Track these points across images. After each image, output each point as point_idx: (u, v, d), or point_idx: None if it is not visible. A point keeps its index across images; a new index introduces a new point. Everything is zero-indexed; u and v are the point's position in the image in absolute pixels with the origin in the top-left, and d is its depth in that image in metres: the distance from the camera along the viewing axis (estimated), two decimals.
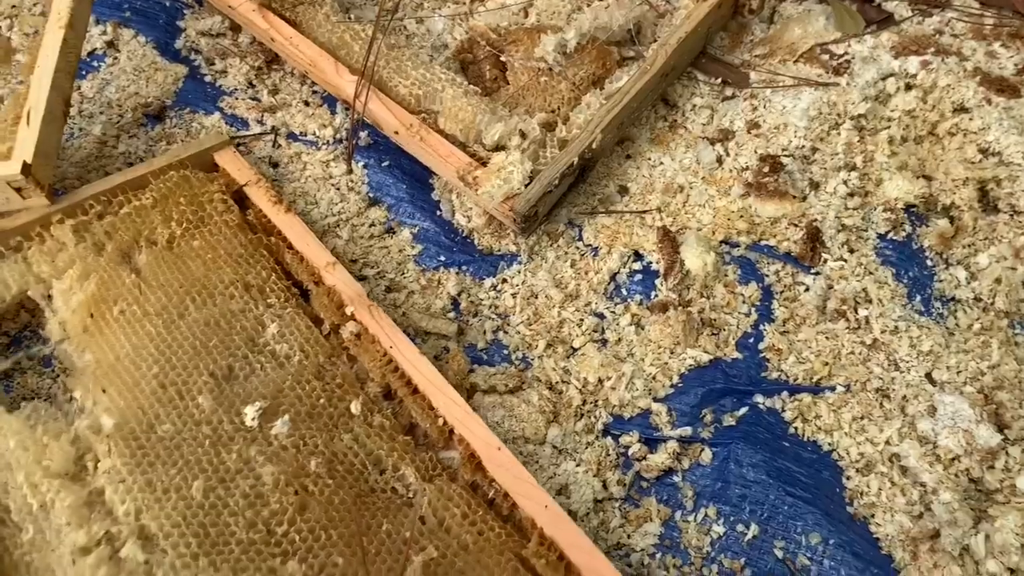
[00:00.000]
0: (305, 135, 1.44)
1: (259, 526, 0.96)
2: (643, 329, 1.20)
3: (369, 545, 0.96)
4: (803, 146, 1.33)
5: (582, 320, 1.22)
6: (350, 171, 1.38)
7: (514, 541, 0.98)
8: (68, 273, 1.15)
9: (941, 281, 1.23)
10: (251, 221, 1.26)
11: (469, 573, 0.95)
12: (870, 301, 1.20)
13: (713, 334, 1.19)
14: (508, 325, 1.23)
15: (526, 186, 1.20)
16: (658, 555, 1.04)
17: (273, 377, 1.09)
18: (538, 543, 0.96)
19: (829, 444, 1.10)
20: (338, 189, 1.36)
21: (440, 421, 1.06)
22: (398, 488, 1.02)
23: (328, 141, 1.42)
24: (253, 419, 1.03)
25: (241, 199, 1.29)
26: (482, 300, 1.25)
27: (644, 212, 1.30)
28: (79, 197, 1.20)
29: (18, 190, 1.14)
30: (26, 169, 1.13)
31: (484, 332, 1.22)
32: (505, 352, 1.20)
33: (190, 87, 1.47)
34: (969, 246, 1.25)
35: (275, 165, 1.39)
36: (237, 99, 1.46)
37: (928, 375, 1.14)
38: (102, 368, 1.08)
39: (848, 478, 1.07)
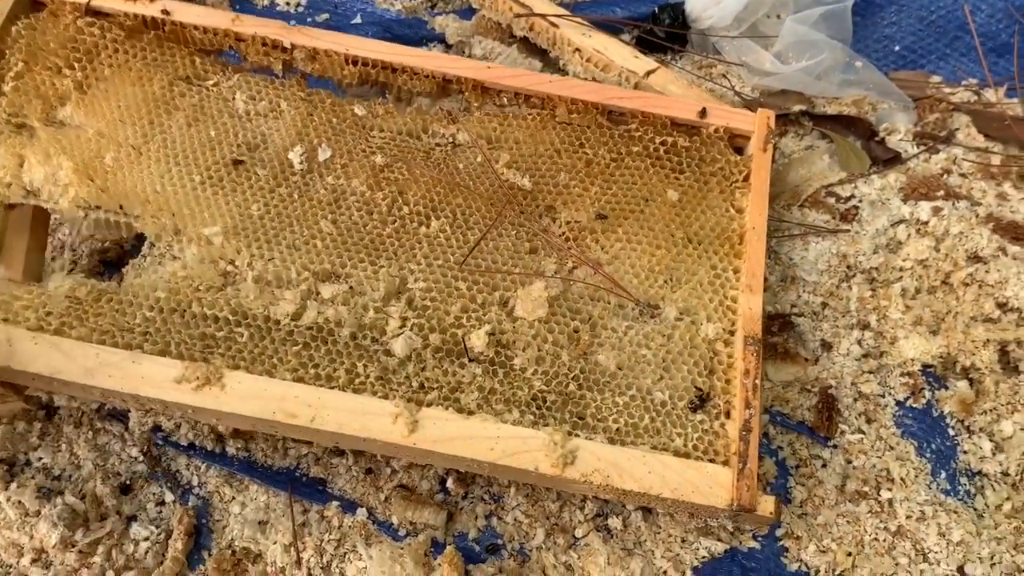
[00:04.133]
0: None
1: (389, 219, 1.12)
2: (651, 514, 1.10)
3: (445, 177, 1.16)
4: (812, 302, 1.25)
5: (584, 502, 1.11)
6: None
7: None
8: (25, 163, 1.10)
9: (966, 452, 1.15)
10: (134, 25, 1.20)
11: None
12: (892, 481, 1.12)
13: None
14: (502, 509, 1.12)
15: None
16: None
17: (279, 127, 1.17)
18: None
19: None
20: None
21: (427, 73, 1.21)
22: (442, 140, 1.19)
23: None
24: (301, 162, 1.14)
25: (99, 13, 1.20)
26: (473, 478, 1.14)
27: None
28: None
29: None
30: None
31: (476, 517, 1.11)
32: (499, 542, 1.09)
33: None
34: (991, 411, 1.17)
35: None
36: None
37: (960, 568, 1.05)
38: (153, 204, 1.09)
39: None
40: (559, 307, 1.08)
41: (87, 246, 1.32)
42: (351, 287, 1.06)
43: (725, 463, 0.99)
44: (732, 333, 1.07)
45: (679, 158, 1.20)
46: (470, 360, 1.03)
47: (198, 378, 0.96)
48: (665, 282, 1.11)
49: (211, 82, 1.20)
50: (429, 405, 0.99)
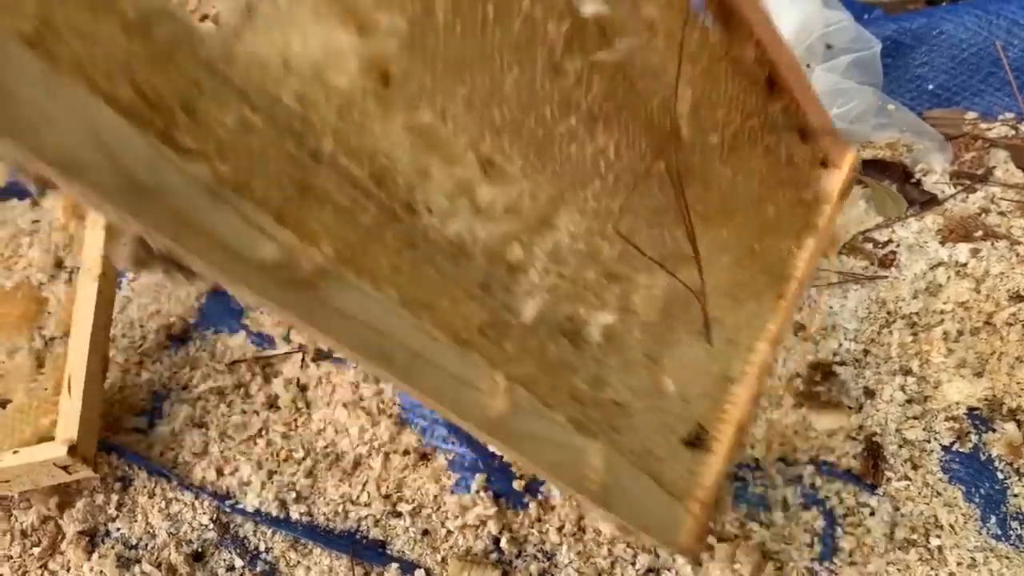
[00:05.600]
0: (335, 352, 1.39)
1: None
2: (700, 567, 1.13)
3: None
4: (854, 350, 1.27)
5: (635, 557, 1.14)
6: None
7: None
8: None
9: (1016, 495, 1.15)
10: None
11: None
12: (941, 527, 1.13)
13: (777, 569, 1.12)
14: (555, 567, 1.16)
15: None
16: None
17: None
18: None
19: None
20: (368, 413, 1.31)
21: None
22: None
23: None
24: None
25: None
26: (526, 536, 1.18)
27: None
28: None
29: (64, 468, 1.10)
30: (72, 450, 1.08)
31: (530, 574, 1.15)
32: None
33: (213, 303, 1.43)
34: None
35: (303, 388, 1.34)
36: (263, 314, 1.42)
37: None
38: None
39: None
40: None
41: (154, 323, 1.40)
42: None
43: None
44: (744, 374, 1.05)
45: None
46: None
47: None
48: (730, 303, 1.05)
49: None
50: None
